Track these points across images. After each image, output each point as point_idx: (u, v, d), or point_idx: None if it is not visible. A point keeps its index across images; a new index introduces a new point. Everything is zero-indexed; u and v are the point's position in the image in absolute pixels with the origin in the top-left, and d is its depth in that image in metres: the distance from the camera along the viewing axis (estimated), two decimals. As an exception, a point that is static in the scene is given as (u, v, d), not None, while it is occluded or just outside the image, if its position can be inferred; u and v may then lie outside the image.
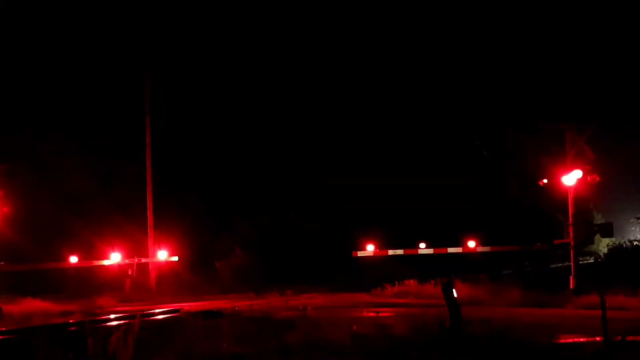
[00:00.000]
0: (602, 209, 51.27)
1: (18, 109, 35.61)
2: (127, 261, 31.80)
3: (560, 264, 38.87)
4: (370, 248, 34.11)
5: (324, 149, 41.54)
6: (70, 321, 17.59)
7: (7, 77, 35.11)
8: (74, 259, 28.57)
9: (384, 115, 45.26)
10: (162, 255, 32.96)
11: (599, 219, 36.86)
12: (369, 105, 44.80)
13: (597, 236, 31.45)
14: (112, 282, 31.06)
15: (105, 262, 30.84)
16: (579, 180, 24.06)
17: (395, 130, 45.70)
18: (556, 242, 31.56)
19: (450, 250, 36.13)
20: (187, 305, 21.97)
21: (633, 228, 48.20)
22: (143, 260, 32.64)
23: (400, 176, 45.23)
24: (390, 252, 35.07)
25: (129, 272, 32.11)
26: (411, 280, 28.32)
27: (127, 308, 22.06)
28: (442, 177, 47.49)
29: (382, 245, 36.19)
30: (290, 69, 42.43)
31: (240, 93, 41.30)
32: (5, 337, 13.64)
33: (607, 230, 26.20)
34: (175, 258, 33.54)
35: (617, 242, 36.64)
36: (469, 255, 40.54)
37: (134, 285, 31.79)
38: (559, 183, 24.42)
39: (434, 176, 46.77)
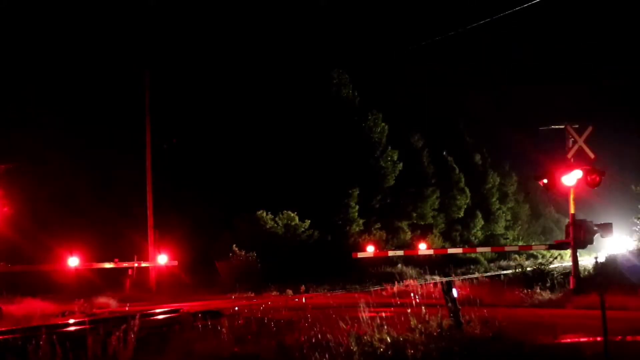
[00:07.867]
0: (600, 209, 51.26)
1: (17, 109, 35.64)
2: (125, 265, 31.85)
3: (560, 264, 38.94)
4: (370, 249, 34.17)
5: (324, 149, 41.64)
6: (70, 321, 17.60)
7: (6, 77, 35.14)
8: (74, 261, 28.56)
9: (384, 116, 45.43)
10: (162, 259, 33.02)
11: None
12: (370, 106, 44.95)
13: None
14: (112, 282, 31.08)
15: (106, 265, 30.91)
16: (579, 180, 24.00)
17: (395, 131, 45.84)
18: (556, 242, 31.59)
19: (451, 251, 36.25)
20: (187, 305, 21.96)
21: (633, 228, 48.20)
22: (143, 264, 32.71)
23: (402, 179, 45.36)
24: (391, 253, 35.17)
25: (129, 272, 32.22)
26: (411, 280, 28.36)
27: (127, 308, 22.05)
28: (441, 178, 47.55)
29: (382, 246, 36.22)
30: (290, 68, 42.53)
31: (240, 92, 41.40)
32: (5, 337, 13.63)
33: (607, 231, 26.09)
34: (175, 262, 33.57)
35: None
36: (469, 255, 40.59)
37: (134, 285, 31.85)
38: (559, 183, 24.34)
39: (434, 177, 46.82)
